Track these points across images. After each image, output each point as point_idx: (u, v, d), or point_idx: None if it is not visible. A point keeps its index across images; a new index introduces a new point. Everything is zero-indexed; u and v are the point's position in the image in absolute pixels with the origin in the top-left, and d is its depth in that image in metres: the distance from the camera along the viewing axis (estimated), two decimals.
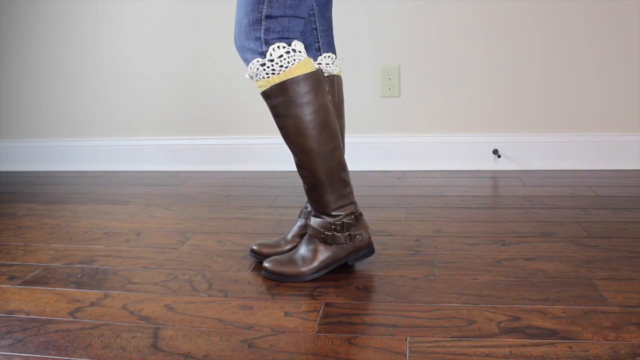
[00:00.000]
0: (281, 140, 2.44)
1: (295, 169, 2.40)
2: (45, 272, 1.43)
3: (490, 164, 2.34)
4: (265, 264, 1.33)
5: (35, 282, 1.37)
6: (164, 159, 2.58)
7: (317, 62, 1.40)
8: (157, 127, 2.58)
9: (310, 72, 1.23)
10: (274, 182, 2.29)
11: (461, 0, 2.24)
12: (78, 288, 1.33)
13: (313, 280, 1.32)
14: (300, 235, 1.45)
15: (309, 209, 1.47)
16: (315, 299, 1.22)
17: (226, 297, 1.25)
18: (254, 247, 1.44)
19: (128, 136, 2.61)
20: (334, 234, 1.31)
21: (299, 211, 1.85)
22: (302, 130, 1.23)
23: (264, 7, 1.18)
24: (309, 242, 1.33)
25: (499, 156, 2.32)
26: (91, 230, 1.76)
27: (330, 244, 1.32)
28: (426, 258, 1.43)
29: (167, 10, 2.46)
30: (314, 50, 1.40)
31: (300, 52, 1.22)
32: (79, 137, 2.66)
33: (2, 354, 1.04)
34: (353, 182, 2.22)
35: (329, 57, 1.40)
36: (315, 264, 1.31)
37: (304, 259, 1.32)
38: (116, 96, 2.58)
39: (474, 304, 1.17)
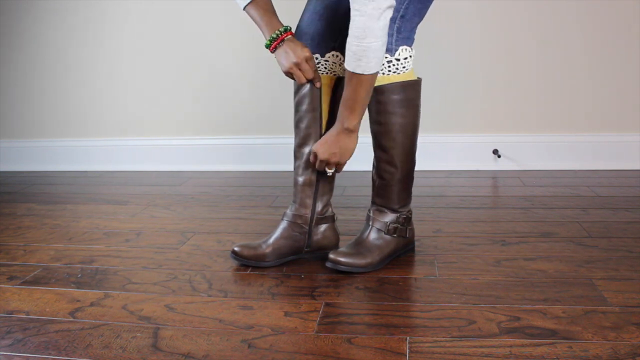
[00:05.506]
0: (281, 140, 2.44)
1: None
2: (45, 272, 1.43)
3: (490, 164, 2.34)
4: (332, 256, 1.34)
5: (35, 282, 1.37)
6: (164, 159, 2.58)
7: (325, 58, 1.37)
8: (157, 127, 2.57)
9: (420, 79, 1.35)
10: (274, 182, 2.28)
11: (459, 1, 2.24)
12: (78, 288, 1.33)
13: (313, 280, 1.32)
14: (284, 238, 1.40)
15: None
16: (315, 299, 1.22)
17: (226, 297, 1.25)
18: (236, 249, 1.41)
19: (128, 136, 2.61)
20: (398, 227, 1.38)
21: None
22: (408, 128, 1.34)
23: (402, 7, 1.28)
24: (375, 233, 1.38)
25: (499, 156, 2.32)
26: (91, 230, 1.76)
27: (394, 236, 1.38)
28: (426, 258, 1.43)
29: (167, 10, 2.46)
30: (331, 44, 1.37)
31: (412, 57, 1.33)
32: (79, 137, 2.66)
33: (2, 354, 1.04)
34: (353, 182, 2.22)
35: (339, 57, 1.39)
36: (383, 254, 1.37)
37: (371, 249, 1.36)
38: (116, 96, 2.58)
39: (474, 304, 1.17)
